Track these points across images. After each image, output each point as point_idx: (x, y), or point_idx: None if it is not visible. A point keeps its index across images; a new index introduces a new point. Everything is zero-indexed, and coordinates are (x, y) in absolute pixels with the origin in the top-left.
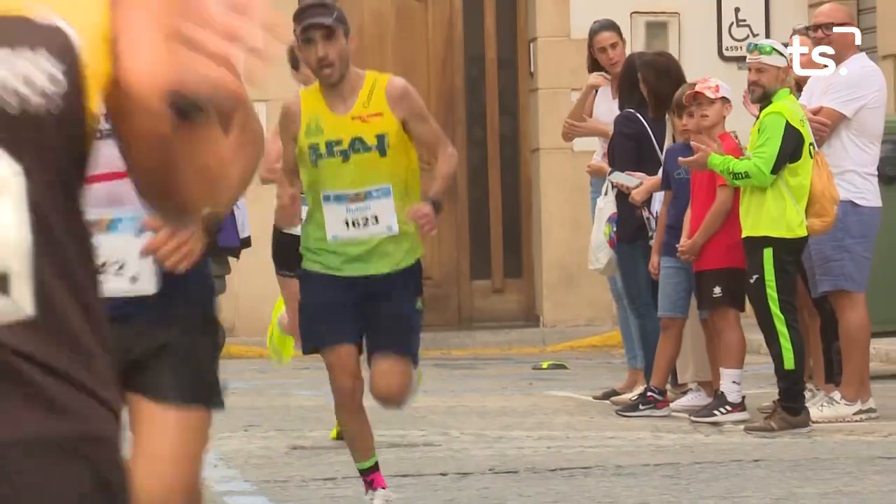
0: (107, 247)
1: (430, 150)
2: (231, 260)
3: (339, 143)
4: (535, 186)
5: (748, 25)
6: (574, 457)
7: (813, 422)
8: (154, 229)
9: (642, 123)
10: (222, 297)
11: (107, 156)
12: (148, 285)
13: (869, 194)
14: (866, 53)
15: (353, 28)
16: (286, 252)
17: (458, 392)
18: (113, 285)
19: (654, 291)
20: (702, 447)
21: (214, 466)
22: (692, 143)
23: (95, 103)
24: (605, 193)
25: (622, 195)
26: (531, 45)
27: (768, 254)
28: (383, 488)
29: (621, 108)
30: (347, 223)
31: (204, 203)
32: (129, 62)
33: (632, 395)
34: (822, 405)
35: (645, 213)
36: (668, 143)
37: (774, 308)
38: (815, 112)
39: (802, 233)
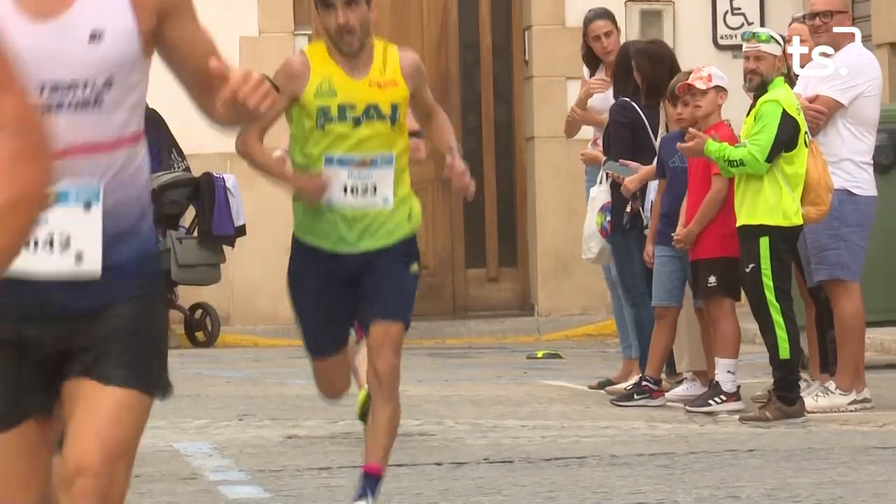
0: (53, 220)
1: (428, 113)
2: (226, 248)
3: (353, 107)
4: (529, 175)
5: (743, 14)
6: (569, 446)
7: (808, 412)
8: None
9: (637, 112)
10: (217, 286)
11: (59, 130)
12: (94, 265)
13: (864, 183)
14: (861, 42)
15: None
16: None
17: (453, 381)
18: (53, 267)
19: (648, 280)
20: (697, 437)
21: (209, 456)
22: (690, 131)
23: None
24: (600, 183)
25: (616, 184)
26: (526, 32)
27: (764, 242)
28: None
29: (616, 96)
30: (346, 189)
31: None
32: None
33: (627, 385)
34: (817, 395)
35: (634, 206)
36: (662, 131)
37: (770, 297)
38: (812, 100)
39: (798, 221)
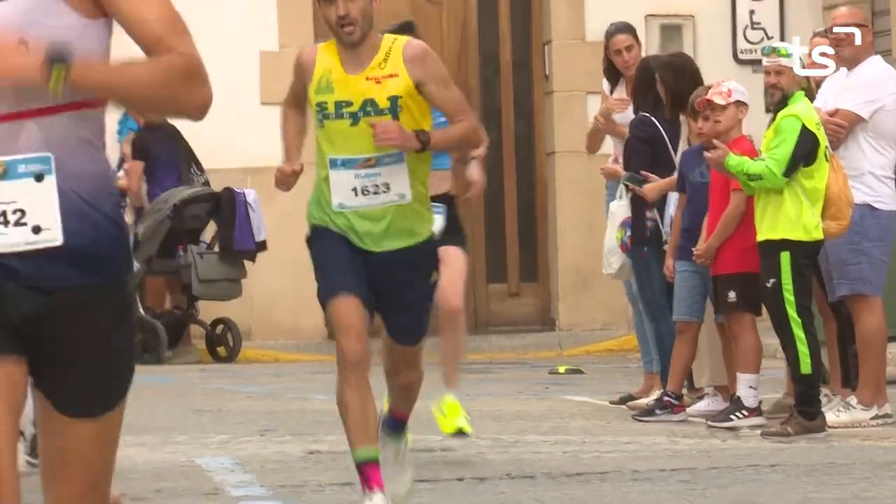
0: (3, 195)
1: (451, 118)
2: (247, 263)
3: (348, 104)
4: (550, 189)
5: (763, 28)
6: (590, 462)
7: (829, 427)
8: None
9: (657, 127)
10: (238, 301)
11: None
12: (53, 235)
13: (886, 197)
14: (881, 56)
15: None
16: None
17: (474, 396)
18: (14, 238)
19: (669, 295)
20: (718, 452)
21: (231, 471)
22: (714, 142)
23: None
24: (620, 197)
25: (636, 199)
26: (546, 47)
27: (785, 257)
28: (382, 491)
29: (636, 111)
30: (356, 190)
31: None
32: None
33: (648, 400)
34: (838, 410)
35: (652, 216)
36: (682, 145)
37: (791, 312)
38: (832, 114)
39: (819, 236)
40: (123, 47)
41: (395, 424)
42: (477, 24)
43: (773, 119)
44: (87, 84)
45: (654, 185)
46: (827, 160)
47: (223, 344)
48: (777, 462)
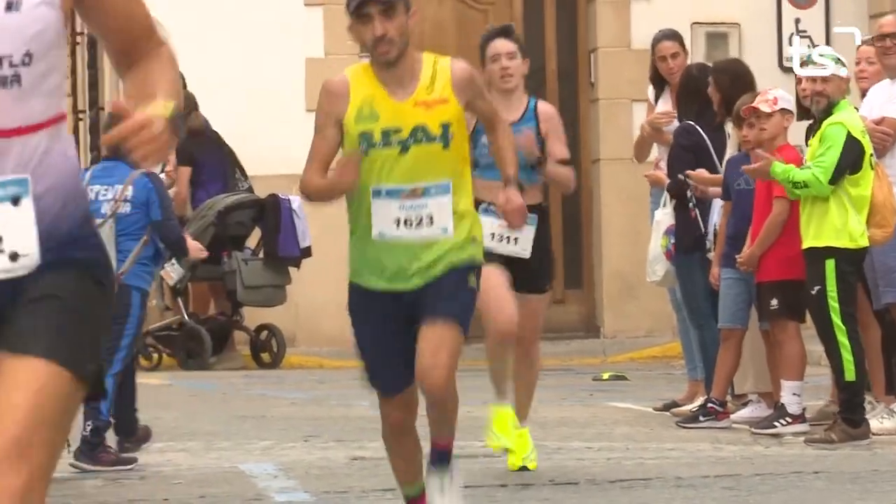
0: None
1: (487, 124)
2: (291, 270)
3: (397, 131)
4: (595, 197)
5: (808, 36)
6: (634, 468)
7: (873, 434)
8: (121, 111)
9: (700, 135)
10: (282, 307)
11: None
12: (31, 262)
13: None
14: None
15: (413, 37)
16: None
17: None
18: None
19: (713, 302)
20: (762, 459)
21: (274, 477)
22: (757, 152)
23: None
24: (664, 205)
25: (680, 206)
26: (591, 55)
27: (830, 265)
28: None
29: (680, 119)
30: (399, 221)
31: None
32: None
33: (692, 407)
34: (882, 417)
35: (695, 212)
36: (730, 151)
37: (836, 319)
38: (878, 122)
39: (864, 243)
40: None
41: (439, 456)
42: (522, 31)
43: (818, 127)
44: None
45: (702, 173)
46: (872, 168)
47: (267, 350)
48: (821, 469)
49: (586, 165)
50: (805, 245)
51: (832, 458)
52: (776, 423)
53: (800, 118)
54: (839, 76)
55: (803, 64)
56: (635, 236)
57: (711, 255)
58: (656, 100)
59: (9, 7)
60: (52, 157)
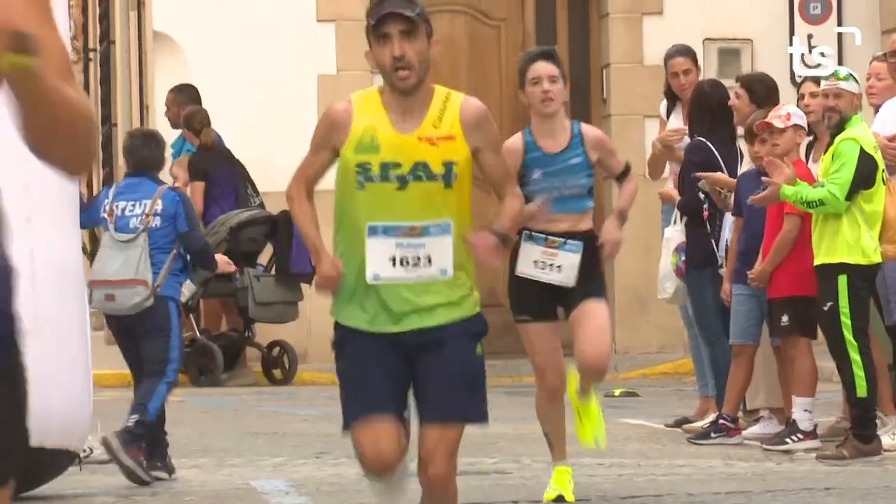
0: None
1: (496, 186)
2: (303, 286)
3: (397, 165)
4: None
5: (821, 52)
6: (645, 485)
7: (884, 450)
8: None
9: (712, 151)
10: (294, 323)
11: None
12: None
13: None
14: None
15: (435, 62)
16: (526, 295)
17: (530, 419)
18: None
19: (724, 318)
20: (773, 475)
21: (286, 494)
22: (765, 163)
23: None
24: (674, 223)
25: (691, 223)
26: (604, 71)
27: (843, 281)
28: None
29: (691, 135)
30: (394, 260)
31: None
32: None
33: (703, 423)
34: (893, 433)
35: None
36: (743, 167)
37: (848, 335)
38: (891, 139)
39: (877, 259)
40: None
41: None
42: (535, 47)
43: (831, 143)
44: (43, 86)
45: (716, 177)
46: (884, 184)
47: (279, 366)
48: (832, 485)
49: (598, 180)
50: (817, 261)
51: (843, 475)
52: (787, 440)
53: None
54: (851, 92)
55: (822, 78)
56: (647, 253)
57: (723, 272)
58: (668, 115)
59: None
60: None
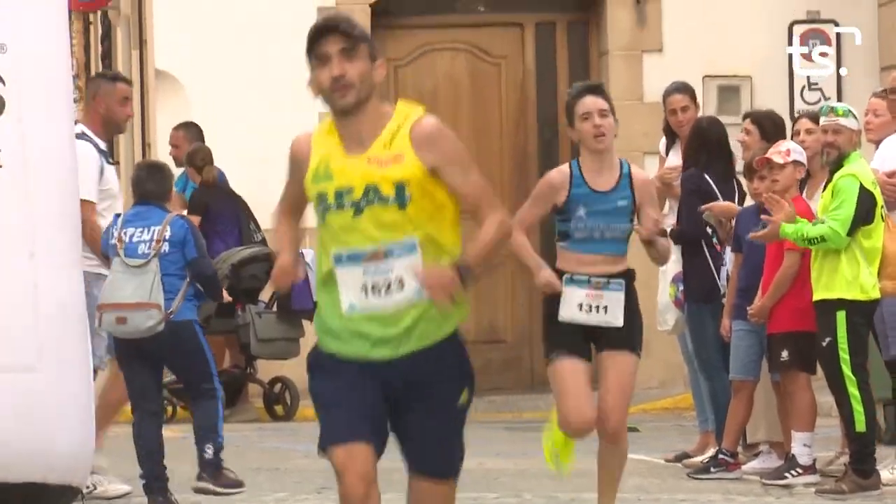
0: None
1: (472, 210)
2: (305, 323)
3: (349, 191)
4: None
5: (820, 89)
6: None
7: (883, 484)
8: None
9: (707, 181)
10: (296, 360)
11: None
12: None
13: None
14: None
15: (427, 91)
16: (563, 335)
17: (531, 454)
18: None
19: (724, 353)
20: None
21: None
22: (765, 200)
23: None
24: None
25: (688, 254)
26: None
27: (841, 316)
28: None
29: (685, 168)
30: (366, 289)
31: None
32: None
33: (703, 458)
34: (892, 468)
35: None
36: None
37: (846, 370)
38: (890, 175)
39: (876, 295)
40: None
41: None
42: (535, 86)
43: (830, 180)
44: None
45: (721, 204)
46: (883, 220)
47: (281, 402)
48: None
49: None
50: (816, 297)
51: None
52: (787, 474)
53: None
54: (850, 128)
55: (820, 115)
56: (645, 287)
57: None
58: (667, 152)
59: None
60: None
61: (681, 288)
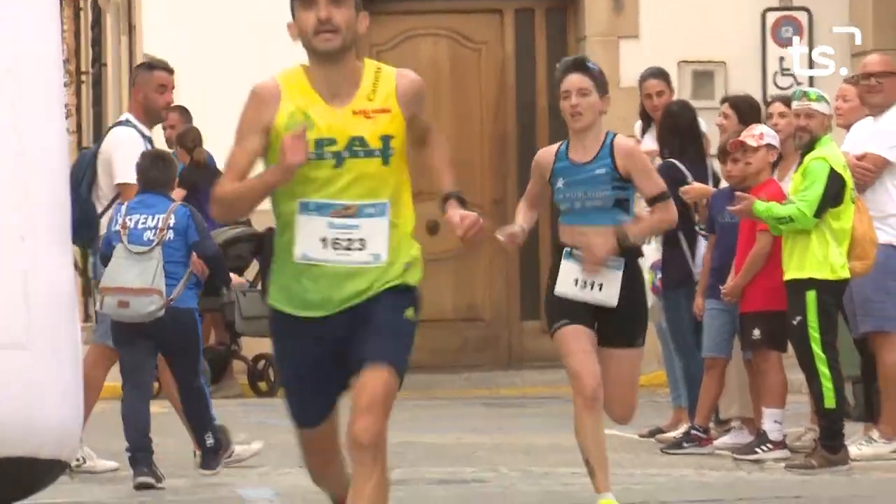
0: None
1: (420, 140)
2: None
3: (332, 142)
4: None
5: (792, 74)
6: (620, 493)
7: (852, 459)
8: None
9: (682, 171)
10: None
11: None
12: None
13: None
14: None
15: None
16: (565, 306)
17: (507, 430)
18: None
19: (699, 334)
20: (744, 484)
21: (272, 502)
22: (738, 195)
23: None
24: (649, 241)
25: (667, 242)
26: None
27: (811, 296)
28: None
29: (662, 155)
30: (325, 241)
31: None
32: None
33: (676, 433)
34: (860, 444)
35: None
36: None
37: (816, 349)
38: (860, 158)
39: (845, 275)
40: None
41: None
42: (514, 69)
43: (801, 162)
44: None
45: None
46: (853, 202)
47: (264, 379)
48: (801, 493)
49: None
50: (787, 276)
51: (812, 484)
52: (758, 450)
53: None
54: (823, 113)
55: (792, 100)
56: None
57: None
58: (643, 134)
59: None
60: None
61: (659, 275)
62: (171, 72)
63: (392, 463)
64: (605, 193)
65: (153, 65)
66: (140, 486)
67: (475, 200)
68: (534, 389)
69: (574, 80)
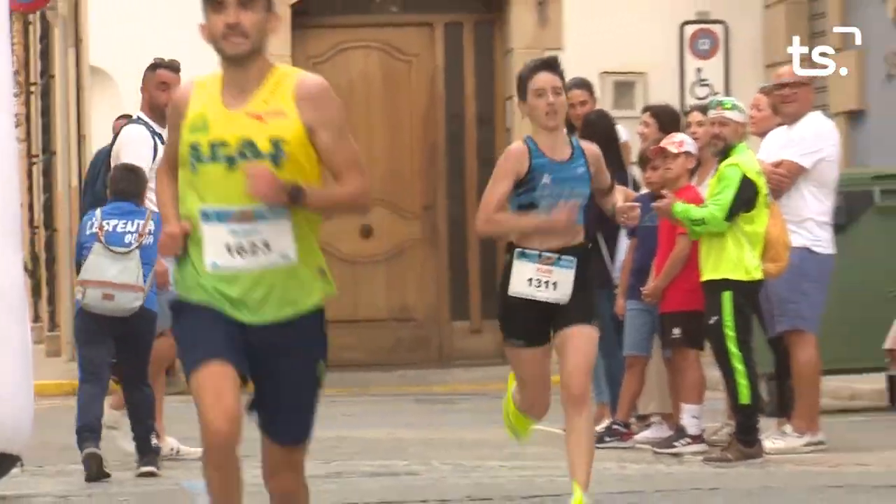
0: None
1: (337, 173)
2: None
3: (224, 144)
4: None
5: (709, 84)
6: (545, 485)
7: (766, 453)
8: None
9: None
10: None
11: None
12: None
13: (825, 242)
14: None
15: (343, 87)
16: (520, 319)
17: (438, 425)
18: None
19: (620, 334)
20: (663, 477)
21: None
22: (664, 192)
23: None
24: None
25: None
26: (507, 102)
27: (727, 296)
28: None
29: None
30: (230, 248)
31: None
32: None
33: (599, 428)
34: (774, 438)
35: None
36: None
37: (732, 347)
38: (777, 165)
39: (759, 276)
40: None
41: None
42: (444, 81)
43: (717, 168)
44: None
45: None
46: (767, 207)
47: None
48: (718, 485)
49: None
50: (704, 277)
51: (728, 476)
52: (676, 444)
53: None
54: (736, 121)
55: (708, 109)
56: None
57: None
58: None
59: None
60: None
61: None
62: (175, 70)
63: (327, 456)
64: (585, 192)
65: (157, 64)
66: (88, 457)
67: (406, 206)
68: (463, 386)
69: (547, 78)
